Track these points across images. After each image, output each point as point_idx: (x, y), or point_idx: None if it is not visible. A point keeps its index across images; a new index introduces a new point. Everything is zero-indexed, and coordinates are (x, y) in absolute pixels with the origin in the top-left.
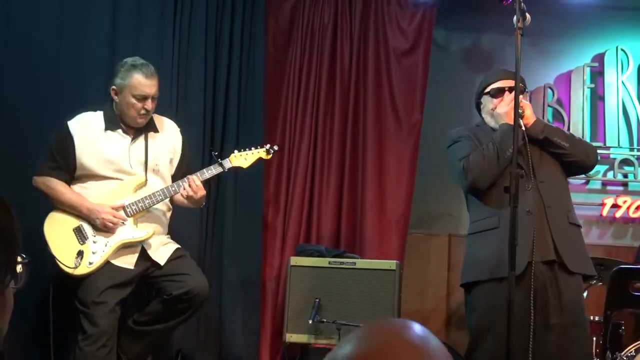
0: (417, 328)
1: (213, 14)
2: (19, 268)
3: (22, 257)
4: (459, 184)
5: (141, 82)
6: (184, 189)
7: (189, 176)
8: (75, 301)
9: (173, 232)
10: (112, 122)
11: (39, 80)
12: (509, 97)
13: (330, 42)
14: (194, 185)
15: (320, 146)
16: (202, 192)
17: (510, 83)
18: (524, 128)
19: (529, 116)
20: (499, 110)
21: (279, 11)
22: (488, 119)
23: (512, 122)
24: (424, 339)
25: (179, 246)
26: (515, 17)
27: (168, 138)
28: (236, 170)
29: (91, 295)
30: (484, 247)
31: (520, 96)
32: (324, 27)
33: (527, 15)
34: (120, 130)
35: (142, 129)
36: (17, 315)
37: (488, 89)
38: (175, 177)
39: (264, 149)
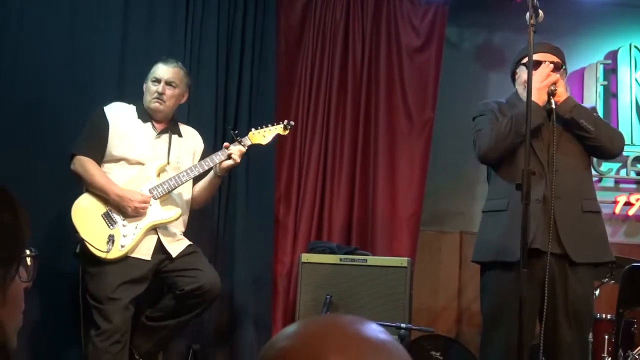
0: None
1: (225, 12)
2: (28, 261)
3: (31, 250)
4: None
5: (159, 67)
6: (228, 151)
7: (217, 152)
8: (88, 296)
9: (185, 229)
10: (143, 116)
11: (52, 79)
12: (545, 71)
13: (342, 39)
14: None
15: (332, 143)
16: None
17: (549, 57)
18: (553, 106)
19: (561, 94)
20: (532, 84)
21: (291, 8)
22: (520, 91)
23: (539, 101)
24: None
25: (191, 243)
26: (527, 14)
27: (191, 142)
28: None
29: (105, 290)
30: (492, 229)
31: (555, 72)
32: (335, 24)
33: (540, 12)
34: (149, 124)
35: (167, 128)
36: (38, 309)
37: (525, 60)
38: (196, 180)
39: (281, 125)
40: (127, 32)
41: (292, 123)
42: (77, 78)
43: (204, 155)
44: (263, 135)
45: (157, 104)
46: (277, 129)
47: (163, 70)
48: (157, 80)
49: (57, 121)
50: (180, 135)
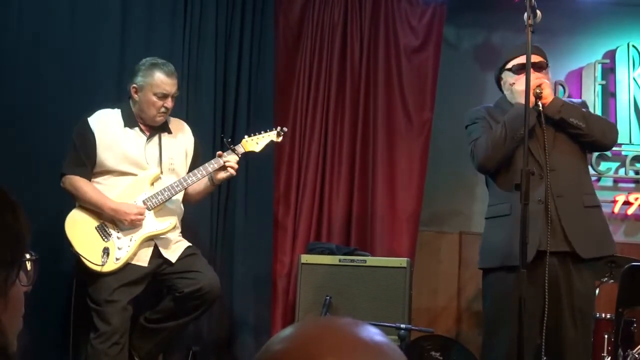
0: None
1: (223, 13)
2: (28, 266)
3: (30, 254)
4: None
5: (163, 80)
6: (224, 161)
7: (211, 161)
8: (88, 299)
9: (184, 230)
10: (130, 120)
11: (51, 82)
12: (531, 74)
13: (340, 39)
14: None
15: (331, 144)
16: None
17: (533, 59)
18: (541, 108)
19: (548, 95)
20: (517, 87)
21: (289, 9)
22: (509, 95)
23: (528, 103)
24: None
25: (190, 244)
26: (526, 14)
27: (181, 138)
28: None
29: (103, 293)
30: (497, 234)
31: (541, 74)
32: (334, 25)
33: (538, 12)
34: (137, 129)
35: (156, 129)
36: (37, 312)
37: (510, 65)
38: None
39: (275, 132)
40: (127, 33)
41: (285, 129)
42: (76, 79)
43: (195, 149)
44: (256, 142)
45: (162, 118)
46: (270, 136)
47: (169, 85)
48: (164, 96)
49: (57, 121)
50: (169, 132)
